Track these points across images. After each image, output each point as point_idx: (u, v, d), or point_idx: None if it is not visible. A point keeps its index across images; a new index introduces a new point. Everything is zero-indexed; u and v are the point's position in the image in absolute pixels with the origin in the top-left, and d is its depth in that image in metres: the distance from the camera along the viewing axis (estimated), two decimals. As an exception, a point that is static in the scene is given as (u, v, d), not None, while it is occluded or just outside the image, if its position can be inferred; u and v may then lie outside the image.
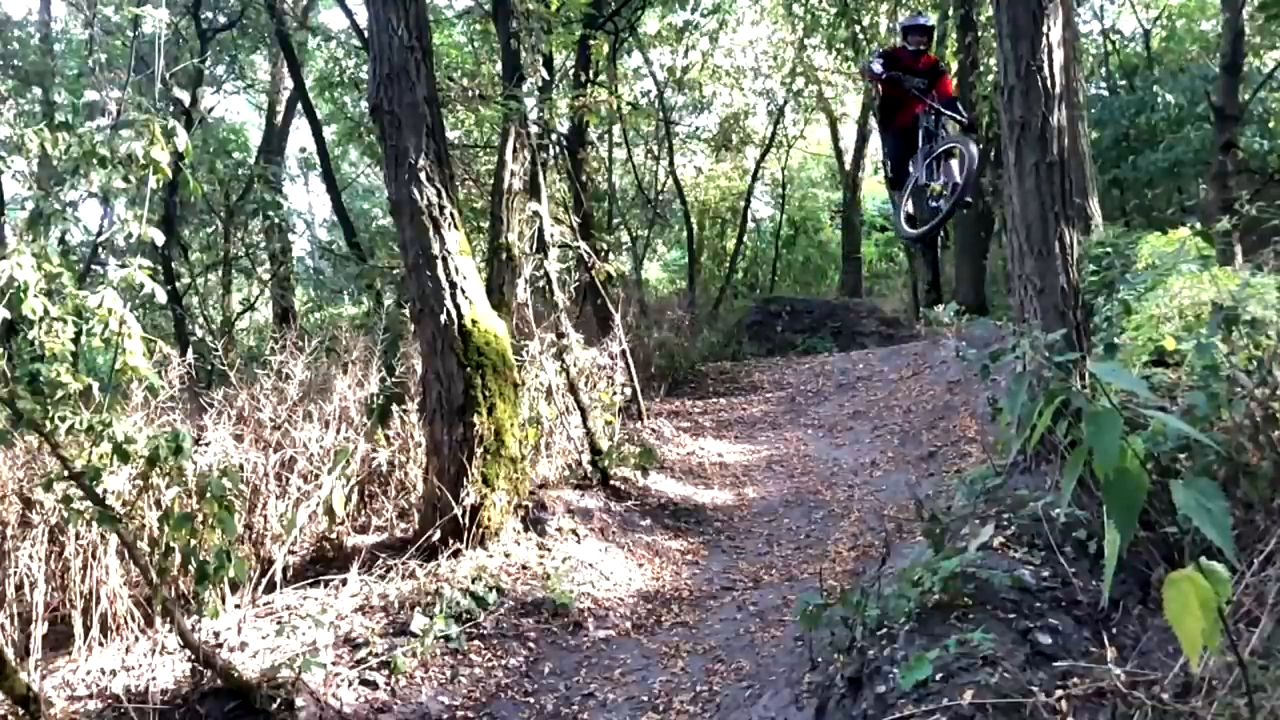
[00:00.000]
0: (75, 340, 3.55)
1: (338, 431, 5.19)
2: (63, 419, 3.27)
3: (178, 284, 10.71)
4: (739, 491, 6.73)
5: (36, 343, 3.33)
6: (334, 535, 4.97)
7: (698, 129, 16.82)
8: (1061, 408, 1.79)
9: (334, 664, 3.74)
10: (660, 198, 15.52)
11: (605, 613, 4.63)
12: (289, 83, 12.62)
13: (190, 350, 7.82)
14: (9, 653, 3.11)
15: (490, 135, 11.99)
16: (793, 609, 3.34)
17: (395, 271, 8.20)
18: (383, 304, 6.52)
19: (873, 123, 16.07)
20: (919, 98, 6.49)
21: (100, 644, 3.72)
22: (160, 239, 3.82)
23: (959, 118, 6.30)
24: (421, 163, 4.88)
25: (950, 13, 10.65)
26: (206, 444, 4.59)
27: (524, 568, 4.82)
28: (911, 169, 6.61)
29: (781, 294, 16.48)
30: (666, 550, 5.54)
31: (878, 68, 6.63)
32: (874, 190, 20.87)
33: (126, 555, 3.57)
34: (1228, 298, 3.39)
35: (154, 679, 3.49)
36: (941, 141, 6.35)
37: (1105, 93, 13.76)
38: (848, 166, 18.23)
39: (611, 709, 3.71)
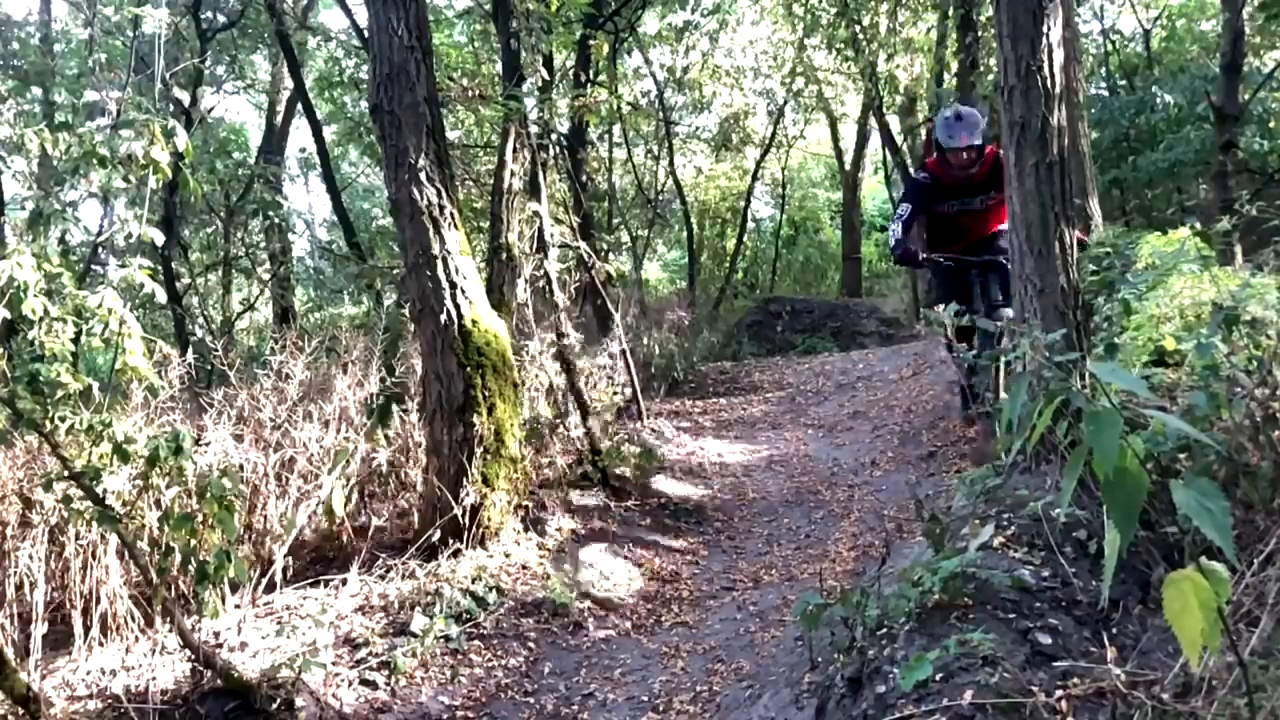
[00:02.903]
0: (75, 340, 3.55)
1: (338, 431, 5.19)
2: (63, 419, 3.27)
3: (178, 284, 10.71)
4: (739, 491, 6.73)
5: (36, 343, 3.33)
6: (334, 535, 4.97)
7: (698, 129, 16.84)
8: (1061, 408, 1.79)
9: (334, 664, 3.74)
10: (660, 198, 15.52)
11: (605, 613, 4.63)
12: (289, 83, 12.61)
13: (190, 350, 7.81)
14: (9, 653, 3.11)
15: (490, 135, 11.99)
16: (793, 609, 3.33)
17: (395, 271, 8.19)
18: (383, 304, 6.51)
19: (873, 122, 16.10)
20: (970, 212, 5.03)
21: (100, 644, 3.72)
22: (160, 239, 3.82)
23: None
24: (421, 163, 4.88)
25: (950, 13, 10.63)
26: (206, 444, 4.58)
27: (524, 568, 4.82)
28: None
29: (781, 294, 16.49)
30: (666, 550, 5.54)
31: (907, 242, 4.96)
32: (874, 190, 20.90)
33: (126, 555, 3.58)
34: (1228, 298, 3.39)
35: (154, 679, 3.49)
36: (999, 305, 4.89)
37: (1105, 93, 13.74)
38: (848, 166, 18.24)
39: (611, 709, 3.72)
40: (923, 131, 12.30)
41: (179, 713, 3.36)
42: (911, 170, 12.58)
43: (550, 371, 6.25)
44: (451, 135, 12.60)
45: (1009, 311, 4.59)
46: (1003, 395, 4.59)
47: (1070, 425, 2.66)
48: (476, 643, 4.14)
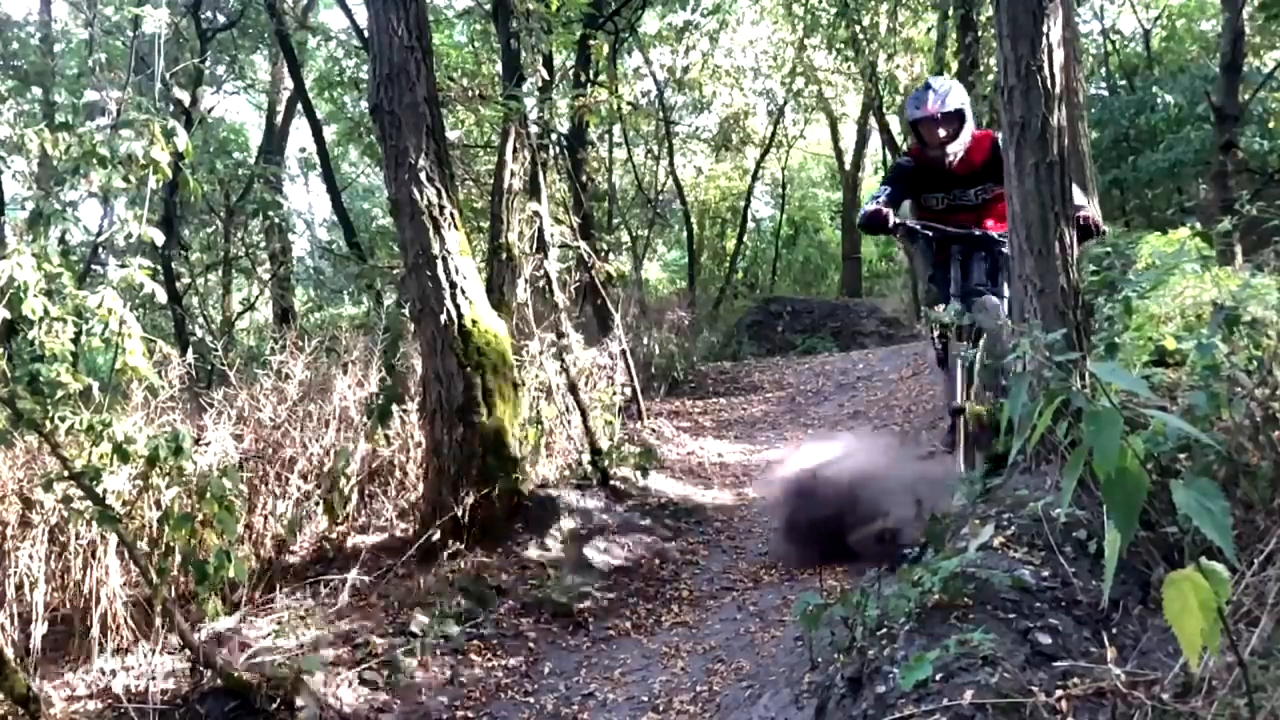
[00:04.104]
0: (75, 340, 3.56)
1: (338, 432, 5.19)
2: (63, 419, 3.28)
3: (178, 284, 10.72)
4: (739, 491, 6.72)
5: (36, 343, 3.34)
6: (334, 535, 4.97)
7: (698, 129, 16.85)
8: (1061, 408, 1.79)
9: (334, 664, 3.74)
10: (660, 198, 15.52)
11: (605, 613, 4.63)
12: (289, 83, 12.62)
13: (190, 350, 7.81)
14: (9, 653, 3.12)
15: (490, 135, 12.00)
16: (793, 609, 3.33)
17: (395, 271, 8.20)
18: (383, 304, 6.52)
19: (873, 122, 16.11)
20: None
21: (100, 644, 3.72)
22: (160, 239, 3.83)
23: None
24: (421, 163, 4.88)
25: (950, 13, 10.63)
26: (206, 444, 4.58)
27: (524, 568, 4.82)
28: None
29: (781, 294, 16.50)
30: (666, 550, 5.53)
31: (875, 206, 4.27)
32: (874, 190, 20.88)
33: (126, 555, 3.58)
34: (1228, 298, 3.39)
35: (154, 679, 3.49)
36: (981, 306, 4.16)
37: (1105, 93, 13.75)
38: (848, 166, 18.24)
39: (611, 709, 3.71)
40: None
41: (179, 713, 3.36)
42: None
43: (550, 371, 6.24)
44: (451, 135, 12.60)
45: (993, 301, 4.08)
46: (959, 394, 4.19)
47: (1070, 425, 2.66)
48: (476, 643, 4.13)
